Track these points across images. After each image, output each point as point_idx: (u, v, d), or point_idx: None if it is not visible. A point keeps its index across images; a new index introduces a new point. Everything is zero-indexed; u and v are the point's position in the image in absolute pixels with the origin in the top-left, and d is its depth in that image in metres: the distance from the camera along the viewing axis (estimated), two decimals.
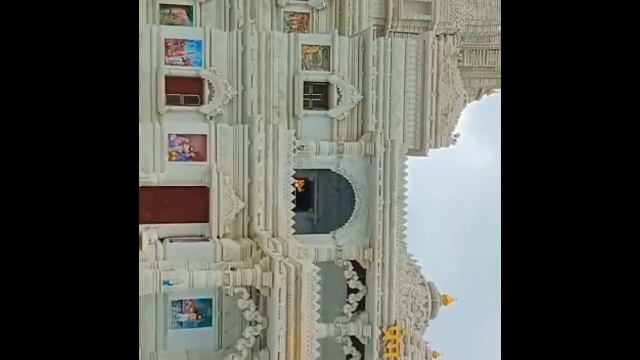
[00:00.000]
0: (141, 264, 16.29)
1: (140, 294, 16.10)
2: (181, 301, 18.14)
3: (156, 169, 17.69)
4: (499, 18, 22.60)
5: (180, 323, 18.21)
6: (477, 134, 51.07)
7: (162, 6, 19.43)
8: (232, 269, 16.86)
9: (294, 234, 18.64)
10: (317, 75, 19.50)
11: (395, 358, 18.82)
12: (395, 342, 18.81)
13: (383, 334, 18.78)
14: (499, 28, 22.81)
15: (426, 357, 19.49)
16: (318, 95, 19.69)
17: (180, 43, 18.43)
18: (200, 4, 19.66)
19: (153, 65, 18.16)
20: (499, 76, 23.88)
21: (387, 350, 18.76)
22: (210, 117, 18.61)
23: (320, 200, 20.16)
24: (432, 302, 20.02)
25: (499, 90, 25.09)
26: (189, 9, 19.68)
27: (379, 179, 19.05)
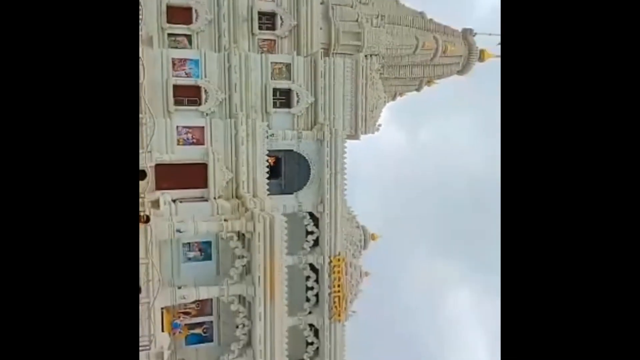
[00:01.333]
0: (160, 219, 16.25)
1: (160, 239, 16.26)
2: (189, 243, 18.03)
3: (169, 151, 17.52)
4: (407, 43, 22.75)
5: (189, 258, 18.11)
6: (393, 124, 52.19)
7: (170, 35, 19.03)
8: (225, 220, 16.92)
9: (268, 194, 18.68)
10: (282, 84, 19.41)
11: (339, 277, 19.07)
12: (339, 266, 19.08)
13: (331, 261, 19.03)
14: (408, 50, 22.97)
15: (360, 276, 19.82)
16: (283, 98, 19.59)
17: (183, 61, 18.20)
18: (197, 33, 19.29)
19: (164, 77, 17.90)
20: (408, 84, 24.13)
21: (334, 272, 19.02)
22: (207, 114, 18.44)
23: (286, 171, 19.89)
24: (364, 238, 20.41)
25: (409, 93, 25.30)
26: (189, 37, 19.29)
27: (327, 156, 19.24)
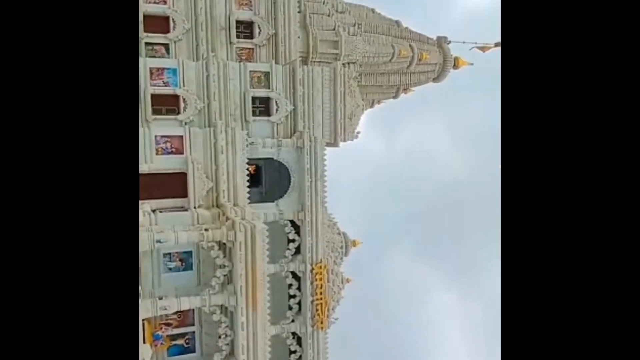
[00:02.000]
0: (140, 229, 15.62)
1: (140, 250, 15.70)
2: (170, 253, 17.68)
3: (147, 160, 17.22)
4: (384, 51, 22.86)
5: (170, 269, 17.77)
6: (371, 131, 52.76)
7: (147, 44, 18.75)
8: (205, 229, 16.67)
9: (249, 203, 18.52)
10: (261, 92, 19.30)
11: (321, 285, 18.97)
12: (321, 274, 18.99)
13: (313, 268, 18.94)
14: (385, 58, 23.09)
15: (342, 282, 19.76)
16: (262, 106, 19.48)
17: (161, 70, 17.97)
18: (175, 42, 19.06)
19: (142, 86, 17.56)
20: (385, 91, 24.31)
21: (316, 279, 18.93)
22: (185, 123, 18.19)
23: (267, 179, 19.69)
24: (345, 245, 20.33)
25: (386, 101, 25.46)
26: (166, 46, 19.05)
27: (307, 163, 19.14)
